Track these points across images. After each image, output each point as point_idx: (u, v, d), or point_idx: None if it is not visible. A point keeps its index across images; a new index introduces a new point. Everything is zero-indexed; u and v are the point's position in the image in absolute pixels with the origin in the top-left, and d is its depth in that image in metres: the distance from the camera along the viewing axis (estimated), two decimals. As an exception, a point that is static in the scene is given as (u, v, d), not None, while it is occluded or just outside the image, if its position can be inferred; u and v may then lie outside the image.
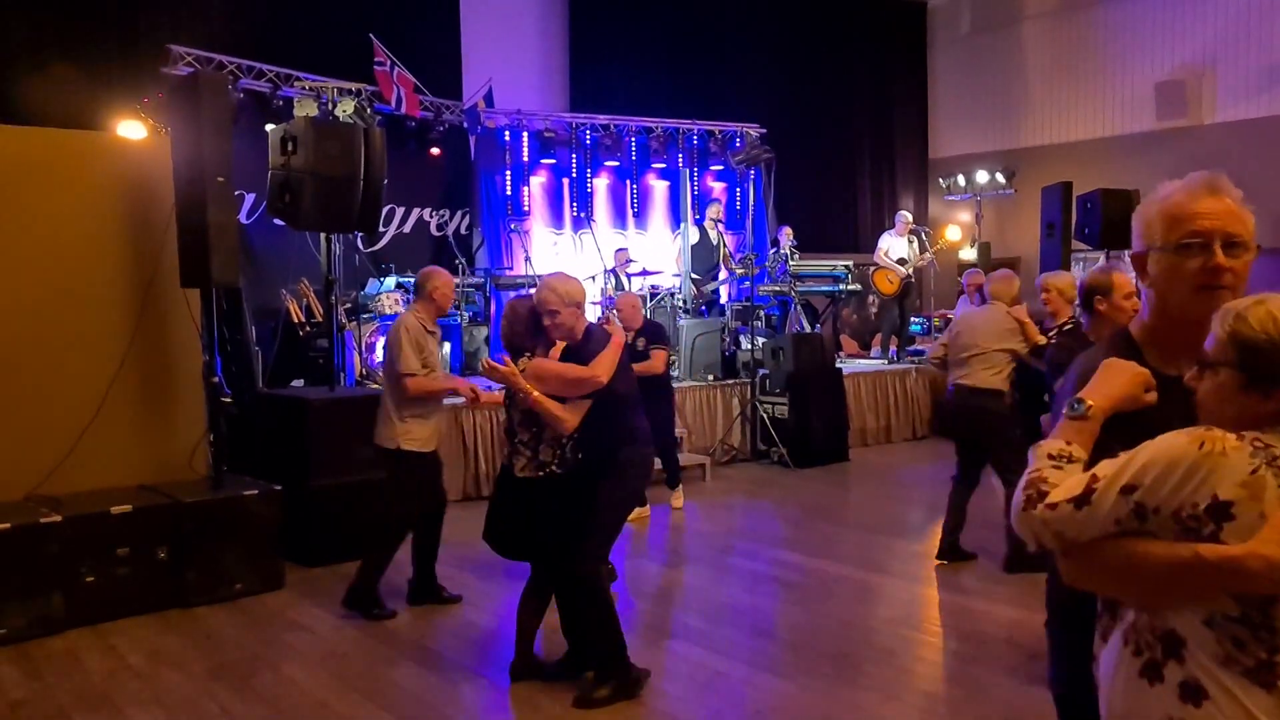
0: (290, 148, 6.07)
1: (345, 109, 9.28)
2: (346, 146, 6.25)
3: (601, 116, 12.61)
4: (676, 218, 12.68)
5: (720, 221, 11.90)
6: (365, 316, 9.24)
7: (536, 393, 3.96)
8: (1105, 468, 1.65)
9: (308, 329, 8.68)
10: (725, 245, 11.54)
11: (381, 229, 11.40)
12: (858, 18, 16.01)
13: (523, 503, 4.16)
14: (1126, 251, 9.30)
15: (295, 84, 10.04)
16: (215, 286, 5.75)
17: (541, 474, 4.11)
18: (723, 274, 11.82)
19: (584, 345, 4.13)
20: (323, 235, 6.89)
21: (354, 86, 10.01)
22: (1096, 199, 10.60)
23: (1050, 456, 1.74)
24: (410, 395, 5.27)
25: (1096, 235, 10.64)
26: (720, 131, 13.26)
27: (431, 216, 11.87)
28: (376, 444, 5.38)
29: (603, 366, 4.06)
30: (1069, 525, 1.64)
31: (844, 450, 9.83)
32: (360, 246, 10.95)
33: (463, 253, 11.19)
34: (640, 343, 7.23)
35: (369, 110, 10.06)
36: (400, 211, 11.62)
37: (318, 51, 10.56)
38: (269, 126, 6.53)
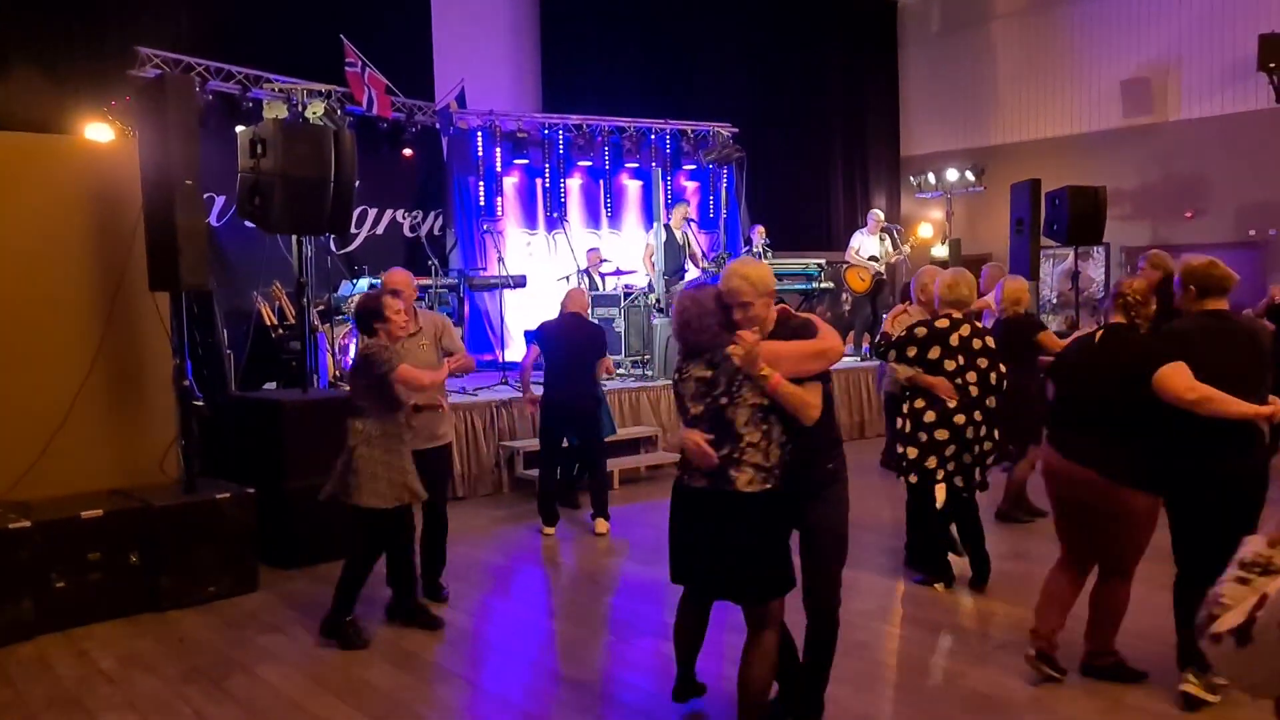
0: (260, 150, 6.06)
1: (315, 111, 9.26)
2: (316, 148, 6.23)
3: (574, 116, 12.62)
4: (650, 217, 12.72)
5: (693, 220, 11.93)
6: (338, 319, 9.21)
7: (778, 375, 3.36)
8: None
9: (280, 331, 8.64)
10: (692, 244, 11.56)
11: (354, 231, 11.39)
12: (829, 17, 16.11)
13: (746, 525, 3.43)
14: (1094, 248, 9.39)
15: (265, 86, 10.00)
16: (184, 289, 5.71)
17: (770, 485, 3.44)
18: (692, 273, 11.85)
19: (783, 327, 3.56)
20: (294, 237, 6.87)
21: (324, 88, 9.97)
22: (1064, 195, 10.72)
23: (1243, 564, 1.31)
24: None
25: (1065, 231, 10.77)
26: (693, 131, 13.31)
27: (404, 218, 11.85)
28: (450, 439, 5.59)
29: (833, 335, 3.57)
30: (1232, 667, 1.28)
31: (818, 446, 9.88)
32: (333, 248, 10.90)
33: (436, 254, 11.17)
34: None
35: (339, 112, 10.04)
36: (373, 213, 11.60)
37: (288, 53, 10.52)
38: (238, 129, 6.48)
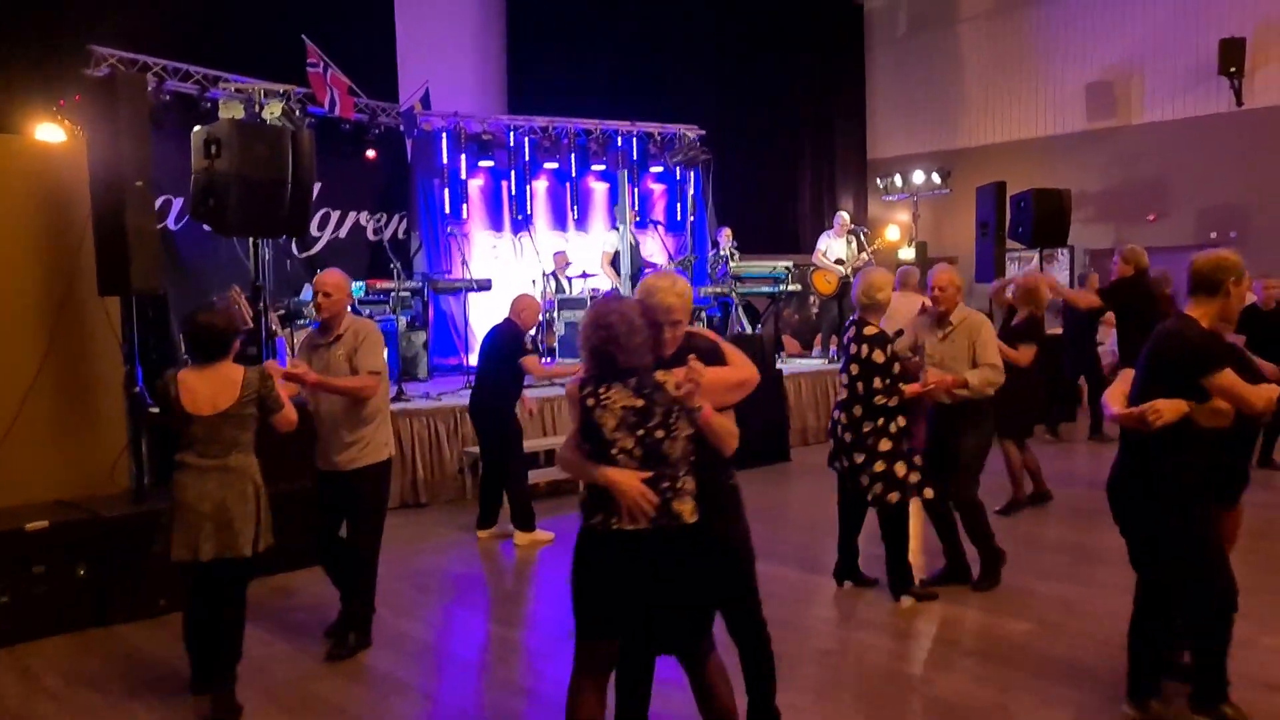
0: (214, 150, 5.92)
1: (273, 111, 9.11)
2: (273, 149, 6.11)
3: (540, 119, 12.53)
4: (615, 219, 12.65)
5: (660, 223, 11.88)
6: (300, 323, 9.06)
7: (709, 406, 3.15)
8: None
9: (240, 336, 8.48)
10: (644, 247, 11.54)
11: (316, 233, 11.25)
12: (796, 19, 16.12)
13: (703, 558, 3.18)
14: (1059, 250, 9.39)
15: (223, 86, 9.82)
16: (135, 294, 5.58)
17: (699, 516, 3.18)
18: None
19: (690, 351, 3.27)
20: (250, 240, 6.74)
21: (282, 88, 9.82)
22: (1029, 198, 10.77)
23: None
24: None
25: (1029, 234, 10.81)
26: (660, 133, 13.25)
27: (368, 220, 11.71)
28: (358, 466, 4.87)
29: (747, 363, 3.43)
30: None
31: (785, 450, 9.86)
32: (295, 251, 10.76)
33: (400, 257, 11.04)
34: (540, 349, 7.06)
35: (298, 112, 9.88)
36: (336, 215, 11.44)
37: (248, 53, 10.35)
38: (194, 129, 6.34)
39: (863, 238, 12.52)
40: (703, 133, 13.36)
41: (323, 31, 10.71)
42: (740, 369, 3.39)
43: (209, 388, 4.10)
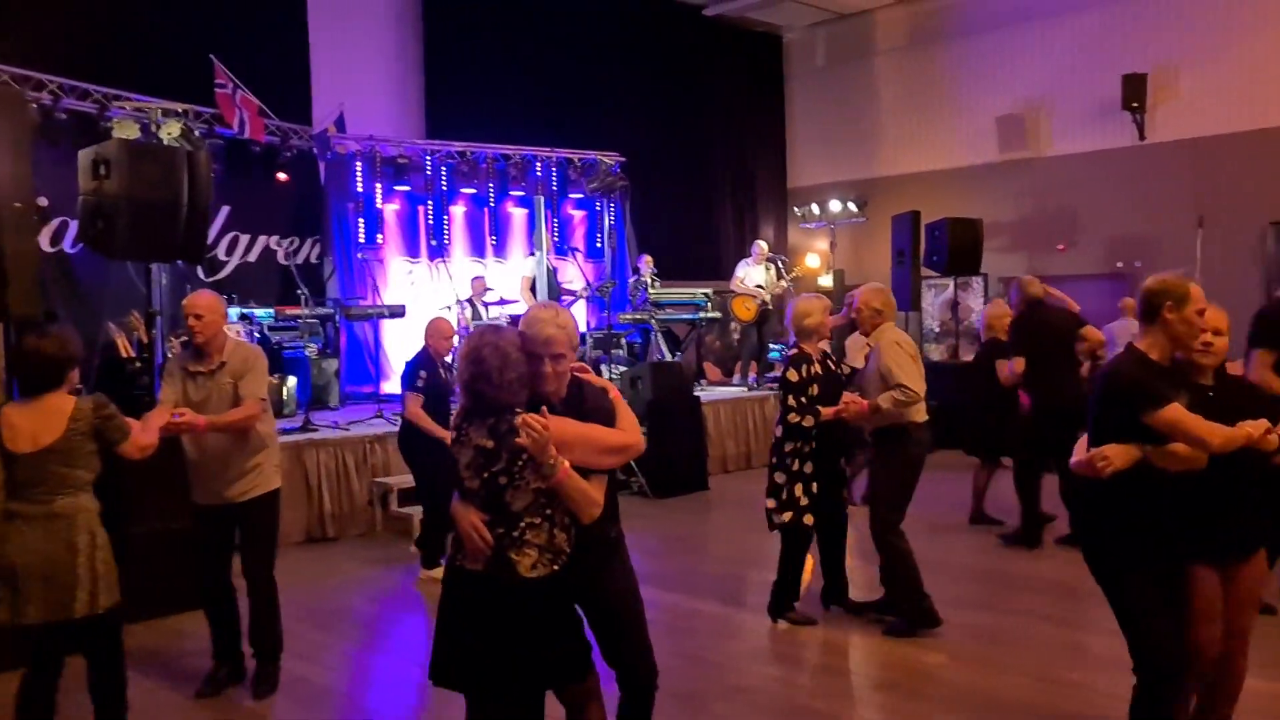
0: (103, 171, 5.66)
1: (170, 131, 8.79)
2: (167, 170, 5.87)
3: (458, 143, 12.36)
4: (534, 246, 12.52)
5: (578, 250, 11.79)
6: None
7: (567, 465, 2.92)
8: None
9: (138, 364, 8.12)
10: (551, 275, 11.47)
11: (225, 257, 10.92)
12: (716, 48, 16.24)
13: (527, 617, 2.97)
14: (974, 278, 9.43)
15: (123, 105, 9.47)
16: (15, 320, 5.26)
17: (557, 568, 3.00)
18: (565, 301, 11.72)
19: (579, 401, 3.12)
20: (147, 264, 6.46)
21: (181, 107, 9.49)
22: (944, 227, 10.94)
23: None
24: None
25: (944, 262, 10.97)
26: (579, 160, 13.17)
27: (279, 245, 11.37)
28: (253, 496, 4.62)
29: (635, 428, 3.19)
30: None
31: (703, 478, 9.78)
32: (200, 275, 10.41)
33: (312, 282, 10.74)
34: (452, 378, 6.75)
35: (196, 132, 9.56)
36: (245, 239, 11.11)
37: (153, 72, 10.02)
38: (81, 150, 6.06)
39: (781, 265, 12.58)
40: (623, 159, 13.32)
41: (233, 52, 10.41)
42: (625, 433, 3.12)
43: (32, 422, 3.64)
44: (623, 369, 10.24)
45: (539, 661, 2.98)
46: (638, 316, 11.59)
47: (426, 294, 11.90)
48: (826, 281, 15.58)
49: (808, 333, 5.39)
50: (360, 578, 6.89)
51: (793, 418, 5.24)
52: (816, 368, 5.34)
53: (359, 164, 11.60)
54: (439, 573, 6.53)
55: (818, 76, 17.21)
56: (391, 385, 11.00)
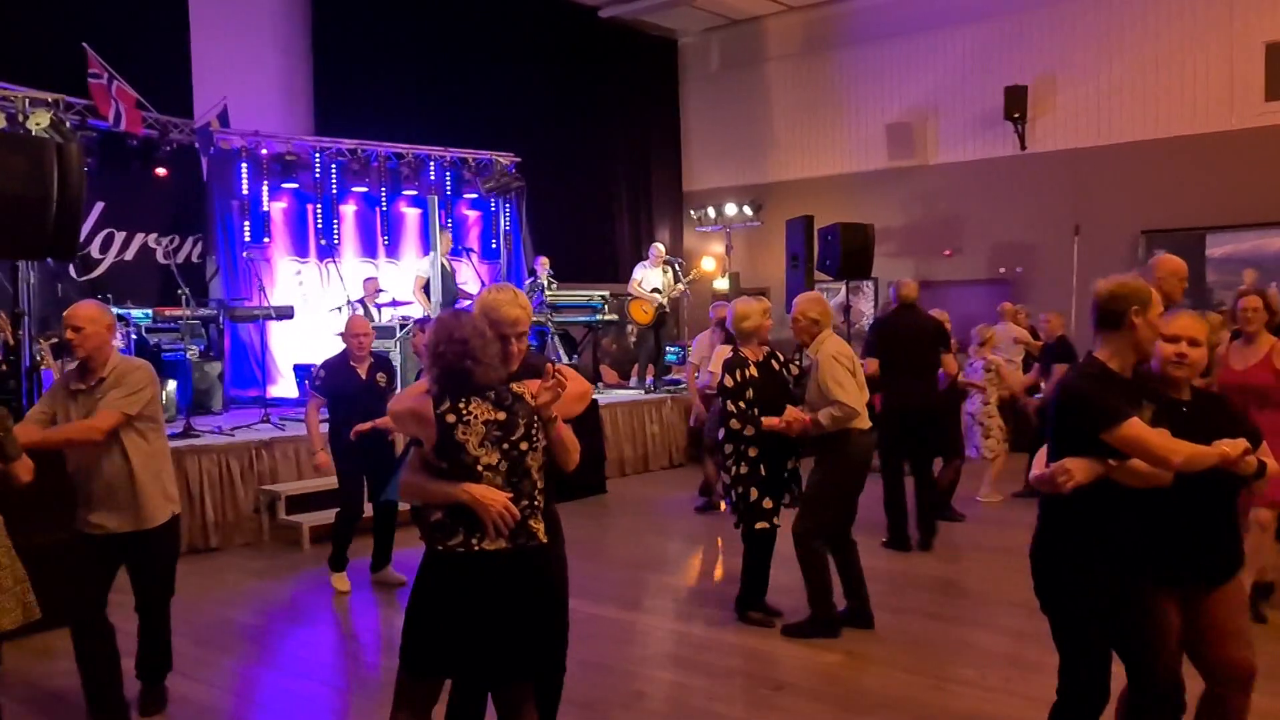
0: (-37, 163, 5.30)
1: (39, 121, 8.31)
2: (34, 162, 5.51)
3: (348, 141, 12.05)
4: (429, 247, 12.28)
5: (473, 250, 11.62)
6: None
7: (560, 418, 3.17)
8: None
9: (3, 367, 7.66)
10: (460, 274, 11.29)
11: (99, 255, 10.43)
12: (612, 51, 16.21)
13: (550, 583, 3.18)
14: (865, 282, 9.59)
15: (-12, 94, 8.94)
16: None
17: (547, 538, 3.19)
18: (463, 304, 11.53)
19: (527, 373, 3.26)
20: (12, 262, 6.08)
21: (51, 97, 9.00)
22: (836, 232, 11.11)
23: None
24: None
25: (836, 266, 11.15)
26: (474, 159, 12.99)
27: (157, 243, 10.91)
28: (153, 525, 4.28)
29: (579, 376, 3.40)
30: None
31: (601, 482, 9.74)
32: (72, 275, 9.91)
33: (194, 282, 10.32)
34: (381, 378, 6.43)
35: (68, 124, 9.08)
36: (121, 237, 10.63)
37: (19, 59, 9.47)
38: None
39: (678, 268, 12.63)
40: (518, 160, 13.19)
41: (109, 41, 9.92)
42: (579, 380, 3.34)
43: None
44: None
45: (556, 633, 3.21)
46: (534, 318, 11.45)
47: (315, 295, 11.57)
48: (722, 284, 15.71)
49: (746, 335, 5.35)
50: (246, 589, 6.63)
51: (734, 424, 5.20)
52: (753, 370, 5.29)
53: (244, 160, 11.20)
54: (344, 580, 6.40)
55: (712, 81, 17.35)
56: (279, 389, 10.67)
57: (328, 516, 7.72)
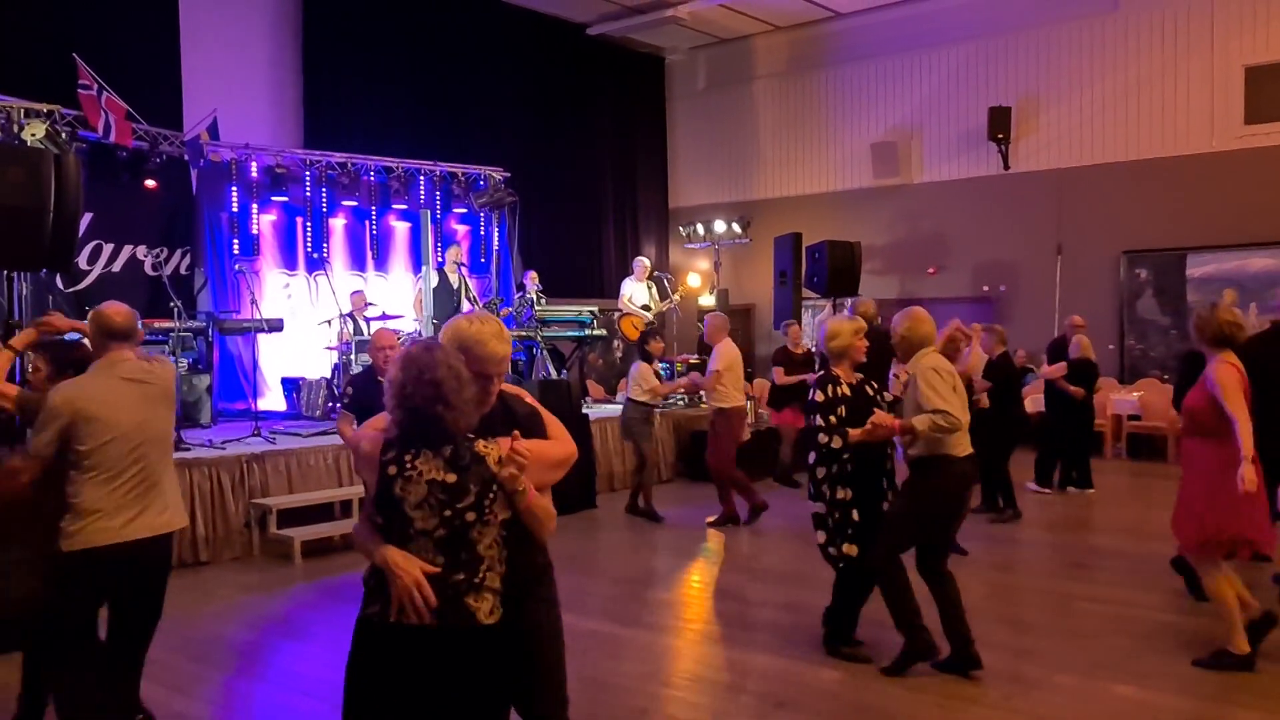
0: (-39, 173, 5.29)
1: (34, 132, 8.28)
2: (32, 173, 5.52)
3: (338, 154, 12.05)
4: (418, 260, 12.27)
5: (463, 265, 11.63)
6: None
7: (533, 489, 2.76)
8: None
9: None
10: (468, 287, 11.27)
11: (87, 267, 10.39)
12: (601, 67, 16.32)
13: (491, 668, 2.74)
14: (851, 300, 9.59)
15: (-22, 104, 8.90)
16: None
17: (503, 609, 2.75)
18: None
19: (508, 415, 2.91)
20: (4, 273, 6.05)
21: (46, 108, 8.97)
22: (823, 249, 11.21)
23: None
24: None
25: (824, 283, 11.24)
26: (464, 174, 13.01)
27: (146, 255, 10.86)
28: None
29: (566, 434, 3.02)
30: None
31: (591, 497, 9.74)
32: (60, 286, 9.86)
33: (183, 294, 10.28)
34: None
35: (63, 135, 9.05)
36: (109, 248, 10.59)
37: (13, 71, 9.48)
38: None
39: (667, 284, 12.69)
40: (507, 175, 13.23)
41: (99, 52, 9.91)
42: (564, 443, 2.98)
43: None
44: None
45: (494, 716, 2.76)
46: (523, 334, 11.49)
47: (304, 308, 11.56)
48: (709, 301, 15.78)
49: (836, 355, 5.13)
50: (237, 604, 6.60)
51: (822, 438, 4.96)
52: (845, 389, 5.04)
53: (233, 173, 11.19)
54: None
55: (699, 99, 17.48)
56: (268, 402, 10.63)
57: (320, 531, 7.77)
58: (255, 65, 12.54)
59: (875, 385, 5.22)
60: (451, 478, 2.64)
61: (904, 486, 5.04)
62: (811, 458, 5.08)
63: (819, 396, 5.03)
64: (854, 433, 4.89)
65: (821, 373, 5.19)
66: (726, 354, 8.61)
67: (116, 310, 4.05)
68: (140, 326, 4.08)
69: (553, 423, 3.01)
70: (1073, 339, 9.88)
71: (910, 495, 4.98)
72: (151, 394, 4.03)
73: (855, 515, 4.96)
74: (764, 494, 8.84)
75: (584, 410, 10.47)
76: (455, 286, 11.21)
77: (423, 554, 2.64)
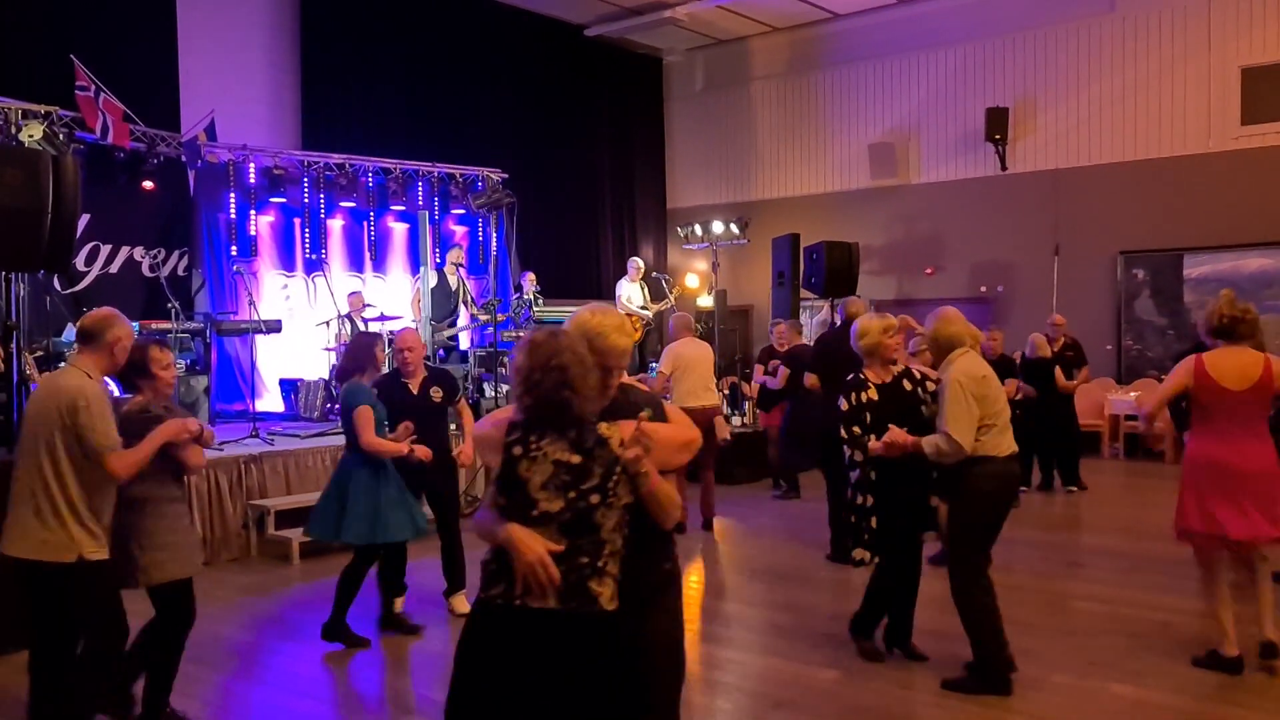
0: (-41, 175, 5.29)
1: (32, 133, 8.27)
2: (30, 175, 5.51)
3: (336, 155, 12.05)
4: (416, 261, 12.28)
5: (462, 265, 11.64)
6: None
7: (655, 472, 2.74)
8: None
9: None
10: (466, 289, 11.27)
11: (84, 268, 10.39)
12: (599, 68, 16.32)
13: (614, 656, 2.68)
14: (840, 300, 9.34)
15: (-24, 105, 8.90)
16: None
17: (618, 604, 2.69)
18: (463, 319, 11.55)
19: (627, 400, 2.93)
20: (2, 274, 6.05)
21: (43, 109, 8.96)
22: (821, 250, 11.22)
23: None
24: (122, 477, 3.92)
25: (821, 284, 11.25)
26: (461, 175, 13.02)
27: (144, 256, 10.87)
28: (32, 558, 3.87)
29: (689, 421, 3.03)
30: None
31: (589, 498, 9.74)
32: (57, 287, 9.86)
33: (180, 295, 10.29)
34: (436, 393, 5.92)
35: (61, 136, 9.05)
36: (107, 250, 10.59)
37: (8, 72, 9.48)
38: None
39: (665, 284, 12.71)
40: (505, 176, 13.23)
41: (96, 53, 9.91)
42: (686, 427, 2.96)
43: None
44: (506, 387, 10.14)
45: (616, 708, 2.68)
46: (522, 334, 11.51)
47: (302, 309, 11.56)
48: (706, 302, 15.79)
49: (866, 354, 4.98)
50: (235, 605, 6.59)
51: (847, 451, 4.88)
52: (872, 393, 4.87)
53: (231, 174, 11.18)
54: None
55: (697, 100, 17.49)
56: (266, 403, 10.63)
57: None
58: (253, 66, 12.54)
59: (919, 375, 4.98)
60: (576, 459, 2.65)
61: (950, 497, 4.78)
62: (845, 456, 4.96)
63: (843, 405, 4.91)
64: (873, 446, 4.75)
65: (854, 377, 4.98)
66: (677, 354, 8.31)
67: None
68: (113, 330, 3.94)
69: (672, 409, 3.03)
70: (1030, 338, 9.92)
71: (951, 510, 4.77)
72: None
73: (873, 522, 4.83)
74: (764, 494, 8.82)
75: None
76: (454, 288, 11.24)
77: (547, 538, 2.62)
